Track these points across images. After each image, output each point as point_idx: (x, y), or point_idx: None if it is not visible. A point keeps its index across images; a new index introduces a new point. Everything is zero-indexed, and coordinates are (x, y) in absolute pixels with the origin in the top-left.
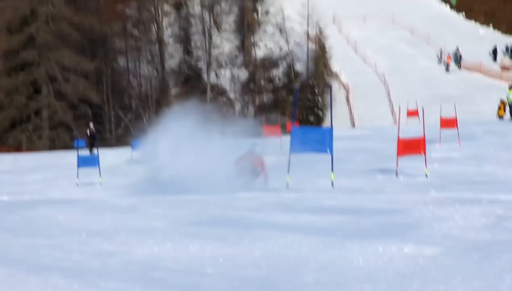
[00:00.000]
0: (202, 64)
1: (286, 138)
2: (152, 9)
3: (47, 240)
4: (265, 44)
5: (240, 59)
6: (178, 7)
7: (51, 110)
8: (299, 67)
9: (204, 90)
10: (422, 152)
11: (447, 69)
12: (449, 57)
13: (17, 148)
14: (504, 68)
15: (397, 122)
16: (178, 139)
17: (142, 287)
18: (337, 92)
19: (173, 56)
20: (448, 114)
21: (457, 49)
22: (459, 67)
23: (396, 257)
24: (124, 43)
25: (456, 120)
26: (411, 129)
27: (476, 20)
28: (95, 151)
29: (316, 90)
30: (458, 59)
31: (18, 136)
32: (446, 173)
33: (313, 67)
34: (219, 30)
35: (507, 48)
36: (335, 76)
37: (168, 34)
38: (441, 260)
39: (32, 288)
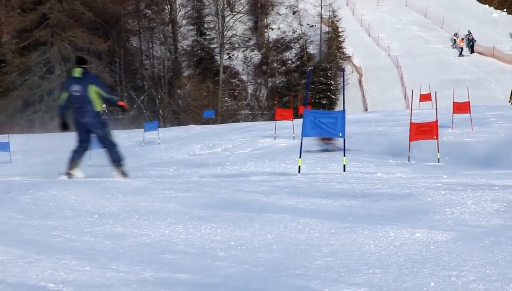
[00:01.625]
0: (215, 46)
1: (298, 122)
2: None
3: (59, 222)
4: (278, 26)
5: (253, 41)
6: None
7: None
8: (312, 49)
9: (217, 72)
10: (435, 136)
11: (460, 53)
12: (462, 41)
13: (30, 129)
14: None
15: (410, 106)
16: None
17: (154, 270)
18: (350, 76)
19: (186, 38)
20: (461, 98)
21: (469, 32)
22: (471, 51)
23: (408, 242)
24: (137, 24)
25: (469, 105)
26: (424, 114)
27: (489, 3)
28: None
29: (329, 73)
30: (470, 43)
31: (30, 117)
32: (458, 158)
33: (326, 50)
34: (232, 11)
35: None
36: (348, 59)
37: (181, 15)
38: (452, 245)
39: (44, 269)
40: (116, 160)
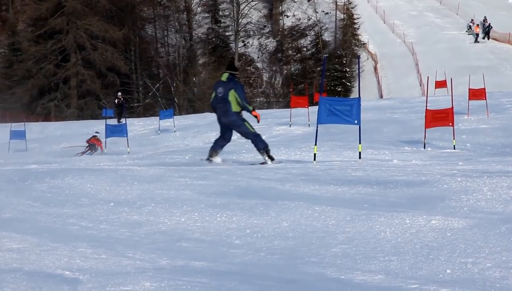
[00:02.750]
0: (230, 33)
1: (314, 109)
2: None
3: (75, 209)
4: (293, 13)
5: (268, 29)
6: None
7: (79, 79)
8: (327, 37)
9: (232, 60)
10: (450, 123)
11: (476, 39)
12: (477, 27)
13: (45, 117)
14: None
15: (425, 93)
16: None
17: (169, 258)
18: (365, 63)
19: (201, 25)
20: (477, 85)
21: (485, 19)
22: (487, 37)
23: (424, 230)
24: (152, 12)
25: (485, 91)
26: (439, 100)
27: None
28: (123, 120)
29: (344, 61)
30: (485, 29)
31: (46, 105)
32: (474, 145)
33: (341, 37)
34: None
35: None
36: (363, 46)
37: (196, 2)
38: (468, 232)
39: (60, 257)
40: (262, 147)
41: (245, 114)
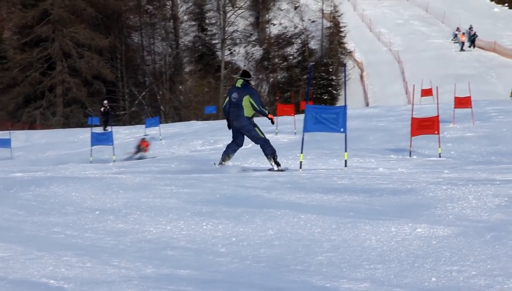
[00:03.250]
0: (216, 42)
1: (300, 117)
2: None
3: (60, 218)
4: (280, 22)
5: (254, 37)
6: None
7: (65, 87)
8: (314, 45)
9: (218, 68)
10: (436, 131)
11: (462, 48)
12: (463, 35)
13: (31, 125)
14: None
15: (411, 101)
16: None
17: (155, 266)
18: (351, 71)
19: (188, 33)
20: (462, 93)
21: (471, 27)
22: (473, 46)
23: (409, 238)
24: (138, 19)
25: (470, 99)
26: (425, 109)
27: None
28: (109, 128)
29: (330, 69)
30: (471, 37)
31: (31, 113)
32: (459, 153)
33: (327, 45)
34: (233, 6)
35: None
36: (349, 54)
37: (182, 10)
38: (454, 240)
39: (45, 266)
40: (270, 153)
41: (256, 119)
